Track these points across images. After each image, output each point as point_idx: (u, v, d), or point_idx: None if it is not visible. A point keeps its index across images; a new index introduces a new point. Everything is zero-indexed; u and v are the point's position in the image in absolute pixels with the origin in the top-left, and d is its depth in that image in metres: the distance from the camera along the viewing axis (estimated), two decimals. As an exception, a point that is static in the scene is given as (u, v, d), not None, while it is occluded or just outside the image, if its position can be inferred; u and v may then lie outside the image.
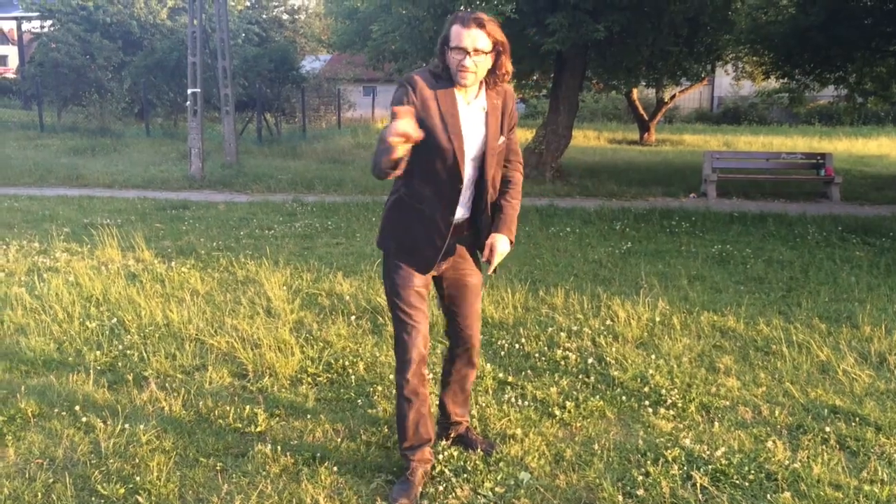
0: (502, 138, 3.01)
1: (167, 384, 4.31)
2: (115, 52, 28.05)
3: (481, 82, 2.90)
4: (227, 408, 3.98)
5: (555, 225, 9.40)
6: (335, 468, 3.38)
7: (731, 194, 12.95)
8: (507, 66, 2.87)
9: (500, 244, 3.05)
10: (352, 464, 3.45)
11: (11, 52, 49.90)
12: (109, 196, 11.83)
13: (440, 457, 3.44)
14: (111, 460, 3.47)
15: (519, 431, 3.73)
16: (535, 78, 18.27)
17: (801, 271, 7.17)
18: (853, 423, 3.87)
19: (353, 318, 5.48)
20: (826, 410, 4.03)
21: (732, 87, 36.62)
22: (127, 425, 3.76)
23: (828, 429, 3.78)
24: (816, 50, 15.22)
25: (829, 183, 12.89)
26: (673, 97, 27.84)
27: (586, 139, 25.77)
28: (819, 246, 8.39)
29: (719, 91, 40.74)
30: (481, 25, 2.75)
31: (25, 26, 39.59)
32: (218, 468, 3.42)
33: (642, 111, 27.18)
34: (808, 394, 4.25)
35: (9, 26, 49.93)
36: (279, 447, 3.55)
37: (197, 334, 5.09)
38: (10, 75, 42.52)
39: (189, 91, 14.11)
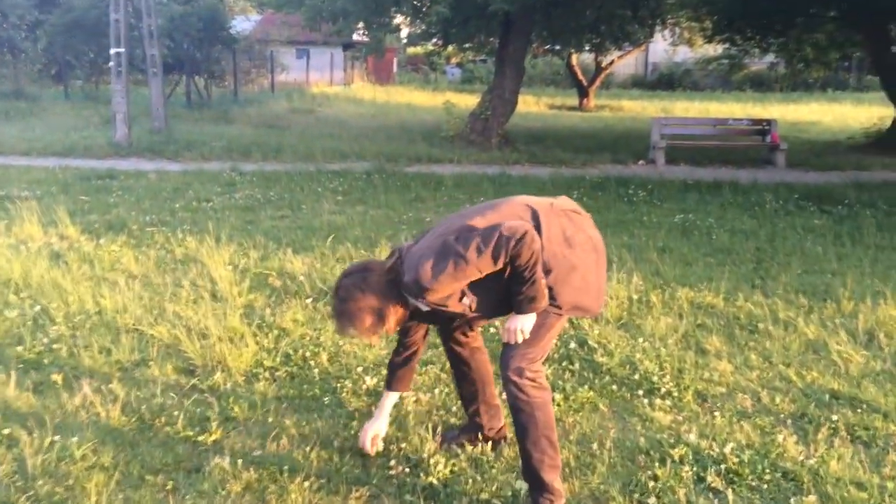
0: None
1: (102, 385, 3.78)
2: (29, 10, 26.16)
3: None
4: (175, 412, 3.49)
5: (510, 194, 8.98)
6: (306, 484, 2.95)
7: (678, 161, 12.81)
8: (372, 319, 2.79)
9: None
10: (325, 477, 3.02)
11: (-88, 9, 46.45)
12: (26, 165, 10.90)
13: (431, 468, 3.04)
14: (39, 482, 2.95)
15: (508, 433, 3.35)
16: (476, 41, 17.77)
17: (767, 241, 7.00)
18: (858, 411, 3.63)
19: (308, 300, 5.00)
20: (827, 396, 3.79)
21: (666, 54, 36.77)
22: (57, 437, 3.24)
23: (834, 417, 3.54)
24: (759, 16, 15.17)
25: (775, 149, 12.87)
26: (611, 63, 27.71)
27: (525, 104, 25.37)
28: (778, 214, 8.26)
29: (653, 57, 40.90)
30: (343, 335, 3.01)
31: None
32: (168, 488, 2.95)
33: (581, 77, 26.99)
34: (805, 377, 4.01)
35: None
36: (239, 460, 3.09)
37: (134, 324, 4.54)
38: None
39: (112, 51, 13.13)
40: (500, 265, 2.63)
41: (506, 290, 2.72)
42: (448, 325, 3.14)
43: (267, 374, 3.93)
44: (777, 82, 35.52)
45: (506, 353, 2.81)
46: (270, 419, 3.49)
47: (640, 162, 12.78)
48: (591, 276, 2.83)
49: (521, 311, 2.72)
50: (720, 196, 9.22)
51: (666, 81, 38.27)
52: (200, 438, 3.29)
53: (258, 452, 3.18)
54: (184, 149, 12.57)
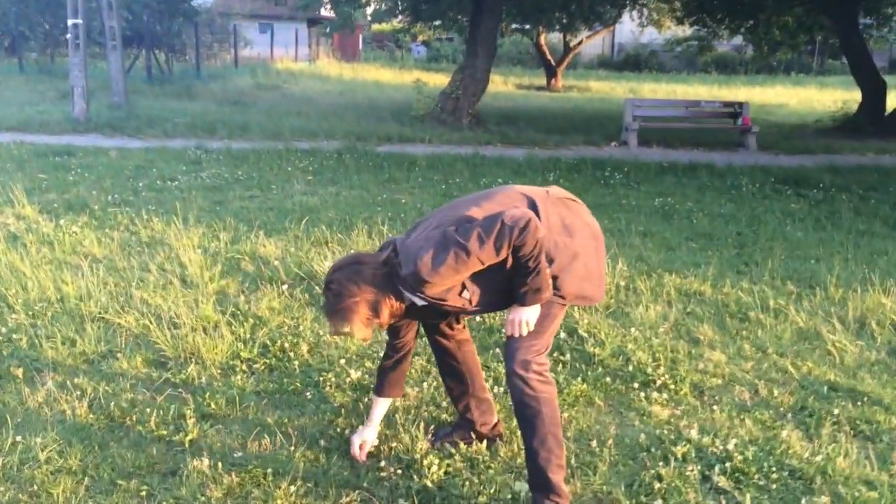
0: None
1: (67, 380, 3.53)
2: (-21, -22, 25.14)
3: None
4: (147, 409, 3.26)
5: (486, 176, 8.85)
6: (293, 488, 2.75)
7: (650, 143, 12.75)
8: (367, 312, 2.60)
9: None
10: (312, 480, 2.83)
11: None
12: (-21, 140, 10.41)
13: (425, 470, 2.87)
14: (1, 488, 2.72)
15: (503, 430, 3.19)
16: (446, 18, 17.50)
17: (747, 225, 6.93)
18: (859, 404, 3.54)
19: (284, 287, 4.77)
20: (825, 388, 3.70)
21: (633, 35, 36.80)
22: (19, 437, 3.00)
23: (836, 411, 3.44)
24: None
25: (746, 132, 12.88)
26: (580, 43, 27.60)
27: (493, 84, 25.01)
28: (756, 198, 8.21)
29: (620, 38, 40.90)
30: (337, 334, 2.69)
31: None
32: (143, 493, 2.73)
33: (549, 56, 26.82)
34: (800, 368, 3.91)
35: None
36: (219, 462, 2.88)
37: (100, 312, 4.27)
38: None
39: (69, 22, 12.58)
40: (502, 255, 2.48)
41: (508, 283, 2.57)
42: (441, 321, 2.97)
43: (244, 367, 3.71)
44: (741, 65, 35.77)
45: (510, 346, 2.65)
46: (250, 416, 3.29)
47: (613, 143, 12.68)
48: (592, 264, 2.72)
49: (524, 302, 2.57)
50: (697, 179, 9.15)
51: (632, 62, 38.26)
52: (176, 438, 3.07)
53: (239, 454, 2.97)
54: (145, 125, 12.13)
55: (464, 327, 3.09)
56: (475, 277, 2.54)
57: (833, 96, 21.66)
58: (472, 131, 13.05)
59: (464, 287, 2.57)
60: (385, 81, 23.94)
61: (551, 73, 26.36)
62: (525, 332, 2.60)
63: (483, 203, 2.61)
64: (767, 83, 29.18)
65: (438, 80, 20.29)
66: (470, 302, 2.61)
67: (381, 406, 2.99)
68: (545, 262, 2.52)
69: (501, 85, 25.48)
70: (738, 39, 22.95)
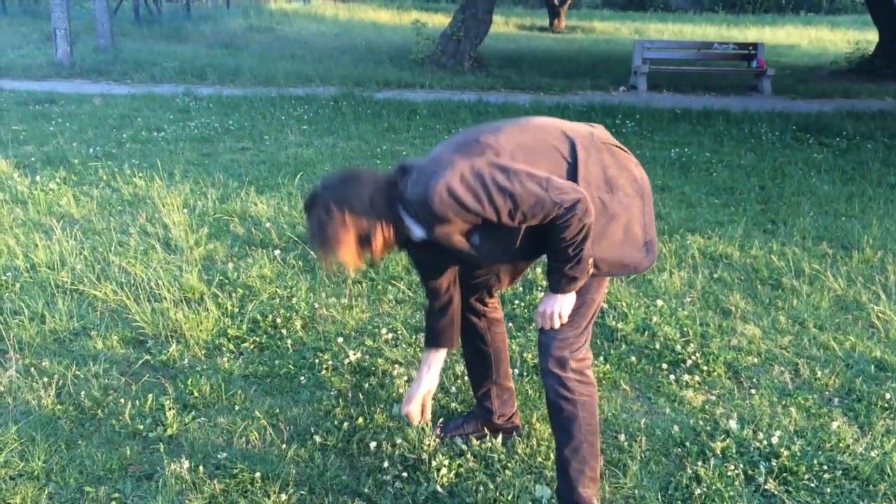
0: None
1: (34, 362, 3.17)
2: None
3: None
4: (122, 399, 2.92)
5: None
6: (283, 496, 2.42)
7: (660, 87, 12.23)
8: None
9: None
10: (306, 485, 2.50)
11: None
12: (-44, 87, 9.90)
13: (433, 472, 2.53)
14: (-49, 497, 2.39)
15: (520, 419, 2.85)
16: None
17: (770, 178, 6.52)
18: (912, 386, 3.20)
19: (277, 252, 4.39)
20: (872, 367, 3.35)
21: (638, -29, 35.61)
22: (-24, 434, 2.67)
23: (887, 395, 3.10)
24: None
25: (761, 75, 12.33)
26: (584, -20, 26.61)
27: (495, 25, 24.25)
28: (776, 147, 7.77)
29: (624, -25, 39.62)
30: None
31: None
32: (113, 502, 2.40)
33: (553, -5, 25.87)
34: (843, 343, 3.56)
35: None
36: (200, 464, 2.55)
37: (73, 283, 3.90)
38: None
39: (48, -41, 11.91)
40: (524, 224, 2.08)
41: (530, 238, 2.17)
42: (448, 266, 2.48)
43: (231, 346, 3.36)
44: (749, 3, 34.72)
45: (544, 340, 2.28)
46: (237, 405, 2.94)
47: (622, 88, 12.15)
48: (635, 226, 2.24)
49: (558, 289, 2.18)
50: (712, 126, 8.68)
51: (637, 1, 37.13)
52: (153, 434, 2.73)
53: (223, 454, 2.63)
54: (132, 69, 11.58)
55: (497, 304, 2.71)
56: (490, 225, 2.10)
57: (845, 37, 20.95)
58: (475, 75, 12.51)
59: (471, 232, 2.14)
60: (383, 22, 23.10)
61: (554, 13, 25.45)
62: (558, 325, 2.24)
63: (520, 136, 2.15)
64: (777, 23, 28.28)
65: (438, 20, 19.59)
66: (478, 250, 2.19)
67: (436, 357, 2.56)
68: (589, 249, 2.10)
69: (503, 26, 24.63)
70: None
